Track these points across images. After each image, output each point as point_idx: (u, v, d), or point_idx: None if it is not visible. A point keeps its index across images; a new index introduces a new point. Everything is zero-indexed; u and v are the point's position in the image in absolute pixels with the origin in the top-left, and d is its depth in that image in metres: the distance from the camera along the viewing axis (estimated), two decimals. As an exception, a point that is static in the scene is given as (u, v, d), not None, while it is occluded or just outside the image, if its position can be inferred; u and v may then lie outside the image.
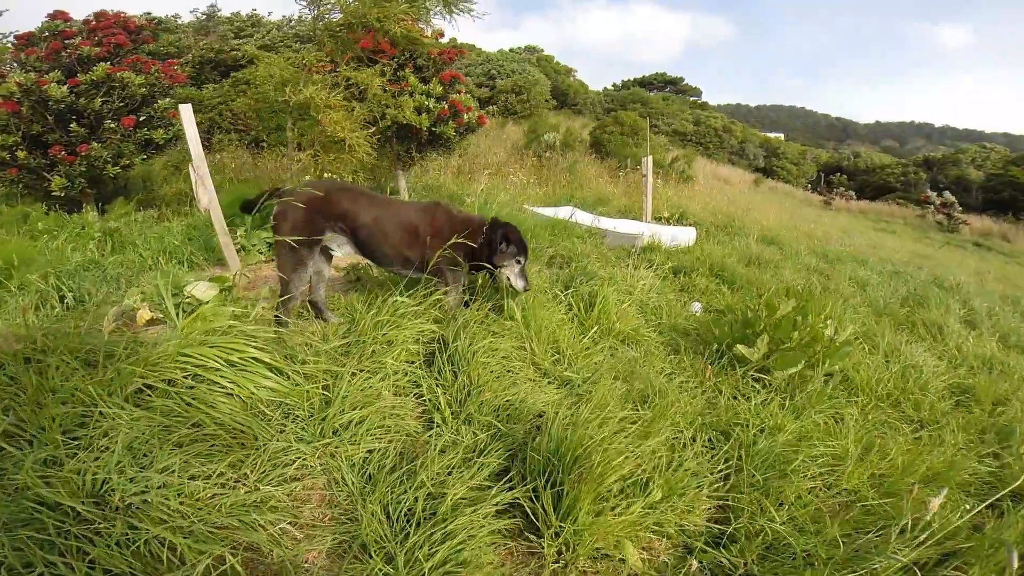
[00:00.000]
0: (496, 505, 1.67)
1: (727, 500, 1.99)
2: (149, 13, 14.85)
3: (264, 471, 1.79)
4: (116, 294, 3.19)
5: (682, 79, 39.32)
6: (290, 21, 14.99)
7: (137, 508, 1.56)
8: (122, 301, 2.93)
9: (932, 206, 23.61)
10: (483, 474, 1.79)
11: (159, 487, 1.62)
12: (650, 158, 8.41)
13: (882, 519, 1.99)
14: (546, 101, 24.39)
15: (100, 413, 1.75)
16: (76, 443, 1.71)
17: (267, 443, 1.84)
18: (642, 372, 2.62)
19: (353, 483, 1.80)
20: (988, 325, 5.38)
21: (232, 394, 1.87)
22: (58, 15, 6.42)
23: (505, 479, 1.79)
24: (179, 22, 18.25)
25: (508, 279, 2.85)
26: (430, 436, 2.01)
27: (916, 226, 22.62)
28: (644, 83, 38.35)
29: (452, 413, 2.10)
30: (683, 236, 6.67)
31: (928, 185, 29.51)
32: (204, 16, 17.71)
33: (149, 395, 1.86)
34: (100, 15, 6.53)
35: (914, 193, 29.38)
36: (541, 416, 2.16)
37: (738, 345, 2.87)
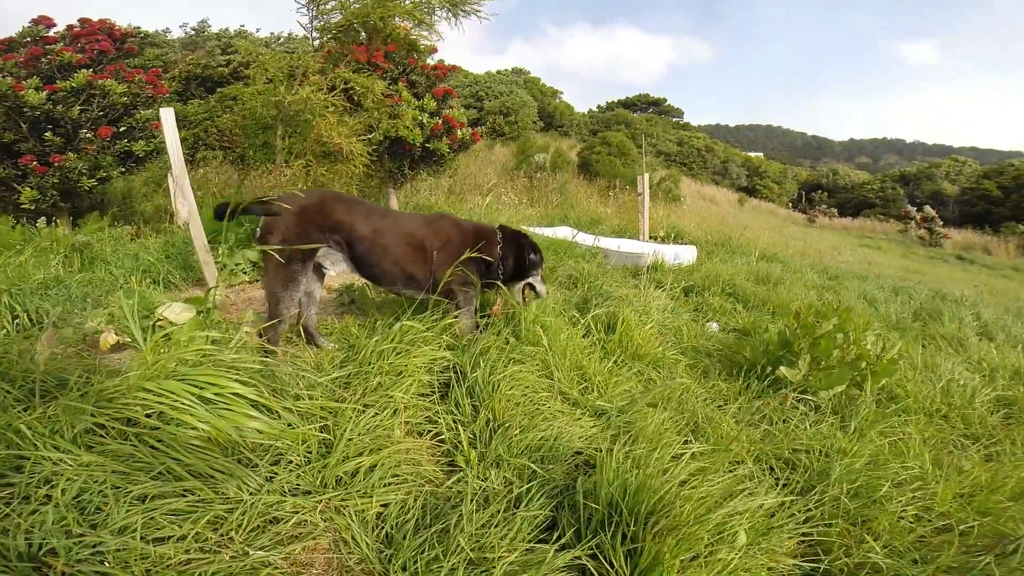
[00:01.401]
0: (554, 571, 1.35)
1: (811, 535, 1.72)
2: (138, 28, 14.54)
3: (254, 530, 1.45)
4: (80, 315, 2.83)
5: (665, 100, 39.99)
6: (279, 38, 14.82)
7: (87, 577, 1.23)
8: (84, 323, 2.57)
9: (913, 221, 24.07)
10: (528, 529, 1.47)
11: (117, 550, 1.28)
12: (647, 176, 8.29)
13: (983, 538, 1.80)
14: (533, 123, 24.53)
15: (42, 457, 1.42)
16: (10, 491, 1.37)
17: (256, 496, 1.51)
18: (687, 399, 2.34)
19: (368, 545, 1.46)
20: (1003, 336, 5.28)
21: (210, 437, 1.54)
22: (42, 20, 6.12)
23: (556, 534, 1.48)
24: (168, 37, 17.97)
25: (534, 288, 2.63)
26: (455, 483, 1.69)
27: (899, 241, 22.99)
28: (628, 104, 38.93)
29: (478, 455, 1.78)
30: (685, 255, 6.50)
31: (906, 200, 30.17)
32: (193, 31, 17.47)
33: (103, 436, 1.52)
34: (85, 21, 6.25)
35: (893, 209, 30.00)
36: (579, 454, 1.86)
37: (781, 367, 2.62)
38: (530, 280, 2.66)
